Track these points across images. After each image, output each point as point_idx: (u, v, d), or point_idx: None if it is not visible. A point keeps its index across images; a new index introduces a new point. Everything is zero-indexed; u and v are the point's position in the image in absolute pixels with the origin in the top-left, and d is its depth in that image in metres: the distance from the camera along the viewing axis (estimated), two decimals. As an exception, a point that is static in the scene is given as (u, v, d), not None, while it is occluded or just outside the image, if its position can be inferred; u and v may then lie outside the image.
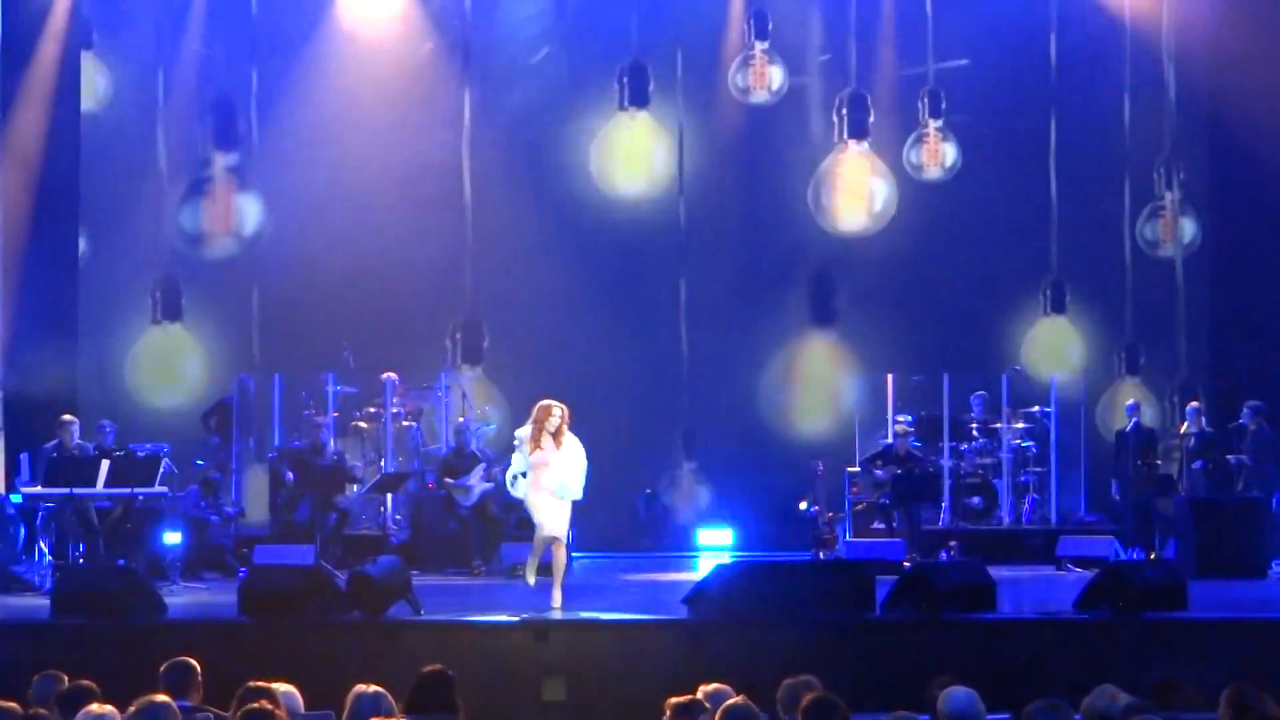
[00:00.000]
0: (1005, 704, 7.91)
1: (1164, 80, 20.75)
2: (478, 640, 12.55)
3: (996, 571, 13.53)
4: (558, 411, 13.51)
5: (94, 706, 7.32)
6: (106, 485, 15.48)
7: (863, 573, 13.34)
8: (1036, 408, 19.86)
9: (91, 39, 19.91)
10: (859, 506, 18.45)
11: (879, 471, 18.29)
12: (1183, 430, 18.89)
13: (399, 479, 18.49)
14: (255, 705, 7.49)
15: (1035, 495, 19.54)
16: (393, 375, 19.46)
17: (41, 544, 15.79)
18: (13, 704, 8.13)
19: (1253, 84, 19.61)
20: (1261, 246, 19.72)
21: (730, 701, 7.70)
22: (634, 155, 20.99)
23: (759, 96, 21.06)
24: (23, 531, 16.07)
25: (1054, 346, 21.06)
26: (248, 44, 20.22)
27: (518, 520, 15.91)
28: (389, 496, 18.73)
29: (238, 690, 7.91)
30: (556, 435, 13.48)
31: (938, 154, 20.97)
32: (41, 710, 7.93)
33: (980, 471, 19.40)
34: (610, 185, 21.01)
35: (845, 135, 21.02)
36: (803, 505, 19.12)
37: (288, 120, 20.51)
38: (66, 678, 8.64)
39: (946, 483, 18.92)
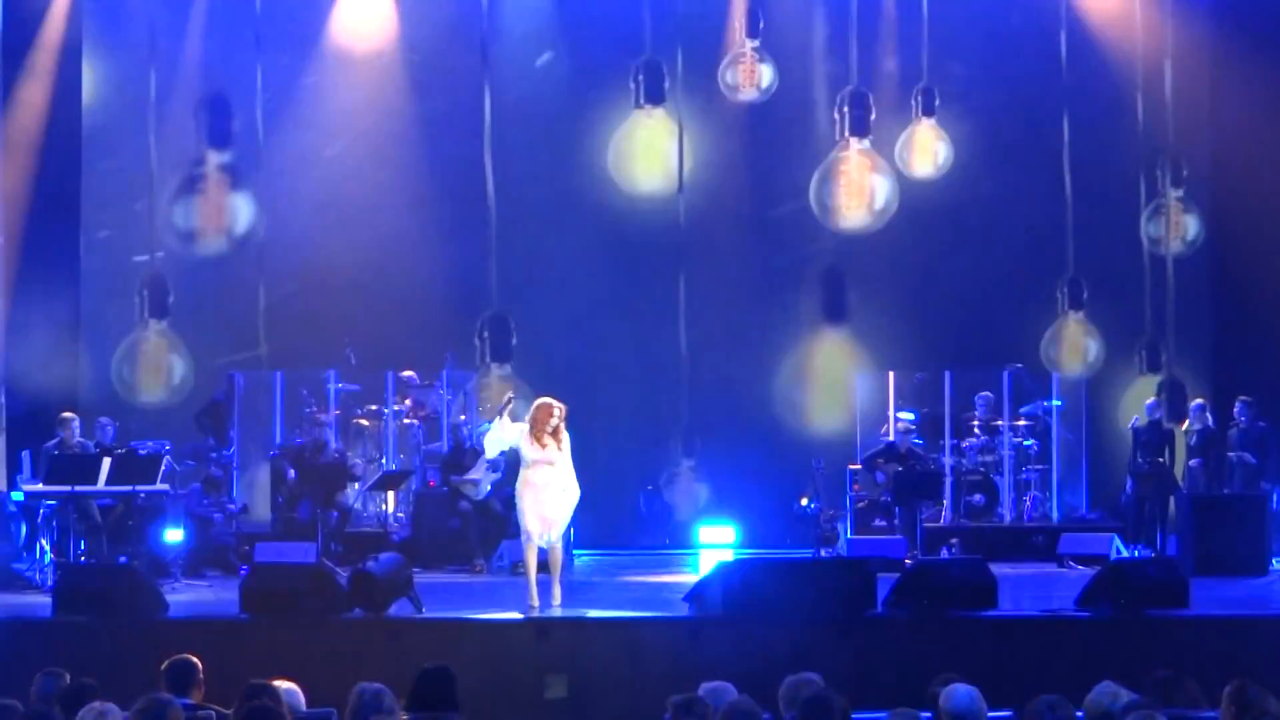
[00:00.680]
0: (1007, 701, 7.92)
1: (1164, 76, 20.72)
2: (479, 638, 12.57)
3: (998, 569, 13.54)
4: (557, 411, 13.52)
5: (96, 704, 7.32)
6: (108, 483, 15.50)
7: (864, 570, 13.35)
8: (1039, 404, 19.83)
9: (90, 37, 19.87)
10: (860, 504, 18.44)
11: (880, 469, 18.30)
12: (1184, 427, 18.89)
13: (400, 477, 18.50)
14: (257, 703, 7.49)
15: (1037, 493, 19.54)
16: (412, 373, 19.45)
17: (43, 542, 15.78)
18: (15, 702, 8.13)
19: (1253, 79, 19.60)
20: (1264, 243, 19.70)
21: (731, 699, 7.71)
22: (648, 153, 20.96)
23: (748, 94, 21.02)
24: (24, 529, 16.08)
25: (1071, 343, 21.00)
26: (250, 40, 20.19)
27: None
28: (390, 494, 18.73)
29: (240, 688, 7.91)
30: (555, 434, 13.48)
31: (929, 151, 20.92)
32: (44, 708, 7.94)
33: (982, 469, 19.40)
34: (623, 183, 20.97)
35: (847, 133, 20.99)
36: (804, 501, 19.13)
37: (292, 117, 20.51)
38: (68, 675, 8.65)
39: (948, 480, 18.92)
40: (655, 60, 20.61)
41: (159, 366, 20.08)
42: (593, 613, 13.42)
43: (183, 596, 14.52)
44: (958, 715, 7.31)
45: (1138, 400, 19.72)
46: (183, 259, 20.44)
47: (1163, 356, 20.49)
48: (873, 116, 20.86)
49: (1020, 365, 20.14)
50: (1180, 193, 20.79)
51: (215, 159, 20.53)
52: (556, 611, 13.29)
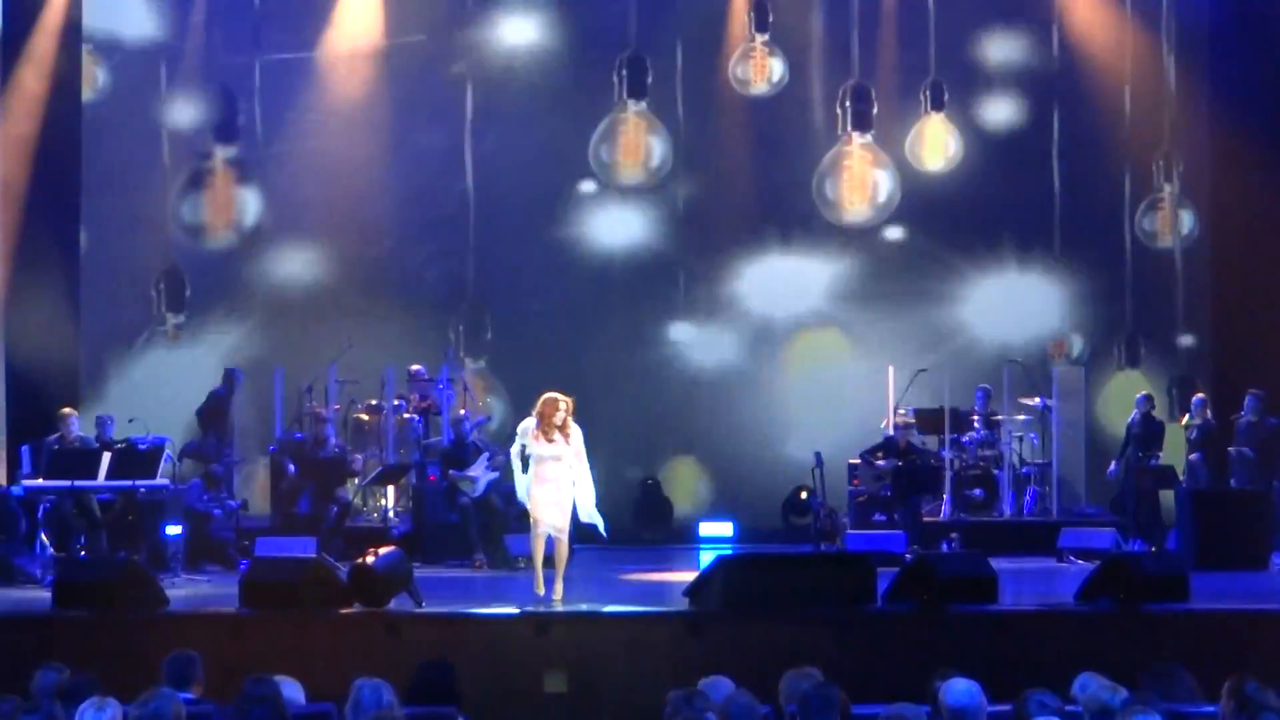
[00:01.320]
0: (1007, 696, 7.92)
1: (1163, 71, 20.73)
2: (479, 632, 12.57)
3: (998, 563, 13.53)
4: (563, 405, 13.49)
5: (96, 698, 7.32)
6: (108, 478, 15.49)
7: (864, 565, 13.35)
8: (1038, 400, 19.85)
9: (90, 31, 19.86)
10: (860, 499, 18.44)
11: (880, 463, 18.29)
12: (1184, 422, 18.89)
13: (400, 471, 18.50)
14: (257, 697, 7.49)
15: (1036, 487, 19.53)
16: (419, 367, 19.45)
17: (43, 536, 15.78)
18: (15, 696, 8.13)
19: (1251, 73, 19.60)
20: (1260, 238, 19.70)
21: (730, 693, 7.71)
22: (633, 147, 20.97)
23: (759, 89, 21.05)
24: (24, 524, 16.07)
25: (1060, 339, 21.04)
26: (251, 35, 20.20)
27: (519, 512, 15.88)
28: (390, 489, 18.72)
29: (239, 682, 7.91)
30: (563, 428, 13.47)
31: (940, 146, 20.96)
32: (44, 702, 7.94)
33: (981, 463, 19.39)
34: (609, 177, 20.99)
35: (849, 127, 21.00)
36: (804, 494, 19.13)
37: (290, 112, 20.51)
38: (68, 670, 8.65)
39: (948, 475, 18.92)
40: (639, 55, 20.66)
41: (170, 362, 20.20)
42: (592, 607, 13.41)
43: (182, 591, 14.51)
44: (957, 709, 7.31)
45: (1114, 395, 19.82)
46: (184, 254, 20.47)
47: (1141, 351, 20.58)
48: (875, 111, 20.89)
49: (1020, 360, 20.15)
50: (1175, 188, 20.83)
51: (221, 153, 20.57)
52: (557, 606, 13.29)
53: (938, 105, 20.91)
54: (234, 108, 20.43)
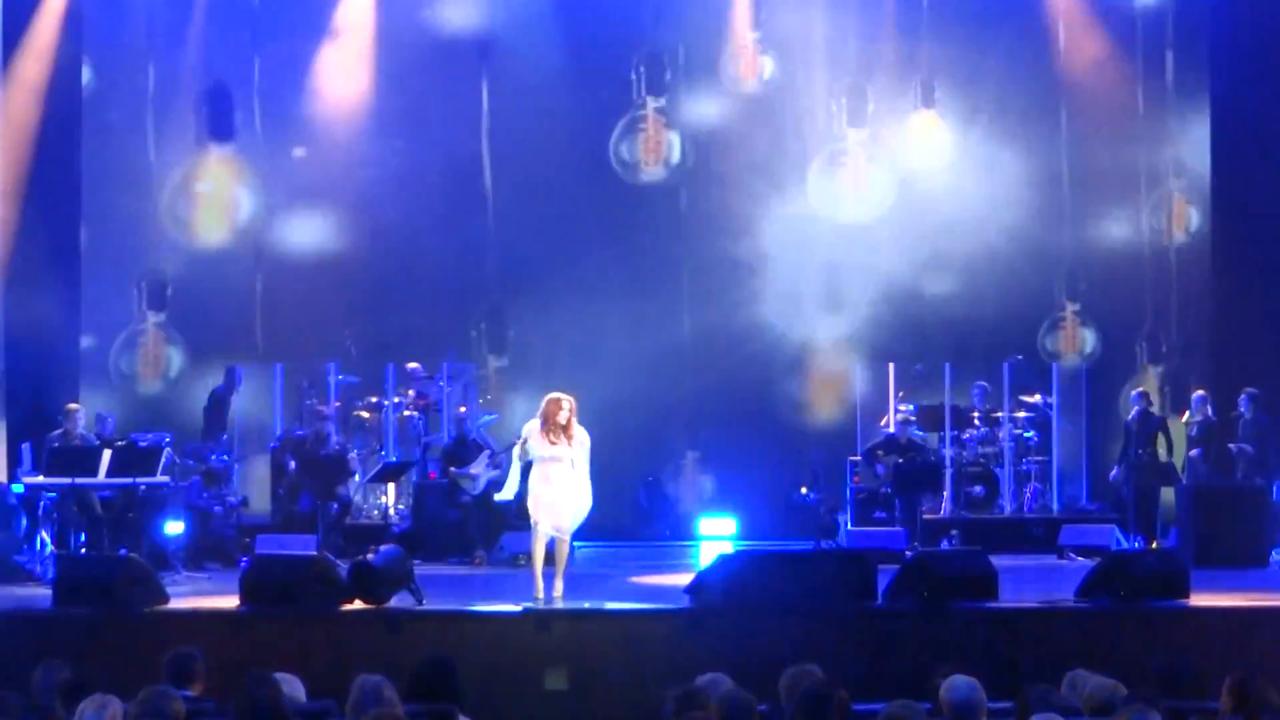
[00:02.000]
0: (1007, 693, 7.92)
1: (1165, 68, 20.73)
2: (480, 630, 12.57)
3: (998, 560, 13.53)
4: (566, 405, 13.45)
5: (97, 696, 7.32)
6: (108, 475, 15.50)
7: (864, 562, 13.35)
8: (1038, 396, 19.85)
9: (81, 29, 19.85)
10: (861, 496, 18.44)
11: (880, 461, 18.29)
12: (1184, 419, 18.89)
13: (400, 469, 18.50)
14: (257, 694, 7.49)
15: (1037, 484, 19.54)
16: (417, 365, 19.45)
17: (43, 533, 15.79)
18: (15, 694, 8.13)
19: (1253, 70, 19.59)
20: (1265, 234, 19.68)
21: (726, 690, 7.71)
22: (648, 144, 20.97)
23: (749, 86, 21.04)
24: (24, 521, 16.07)
25: (1068, 335, 21.03)
26: (249, 32, 20.19)
27: (520, 510, 15.90)
28: (391, 486, 18.73)
29: (240, 680, 7.91)
30: (566, 428, 13.44)
31: (930, 142, 20.95)
32: (44, 700, 7.94)
33: (982, 460, 19.40)
34: (622, 173, 20.98)
35: (845, 124, 21.00)
36: (804, 490, 19.15)
37: (291, 110, 20.51)
38: (69, 667, 8.64)
39: (948, 472, 18.92)
40: (656, 52, 20.63)
41: (157, 358, 20.15)
42: (593, 604, 13.41)
43: (183, 588, 14.52)
44: (958, 707, 7.32)
45: (1124, 391, 19.83)
46: (184, 251, 20.47)
47: (1162, 348, 20.57)
48: (870, 108, 20.88)
49: (1020, 357, 20.16)
50: (1182, 184, 20.83)
51: (216, 151, 20.56)
52: (558, 603, 13.29)
53: (929, 102, 20.88)
54: (231, 105, 20.40)
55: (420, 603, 12.99)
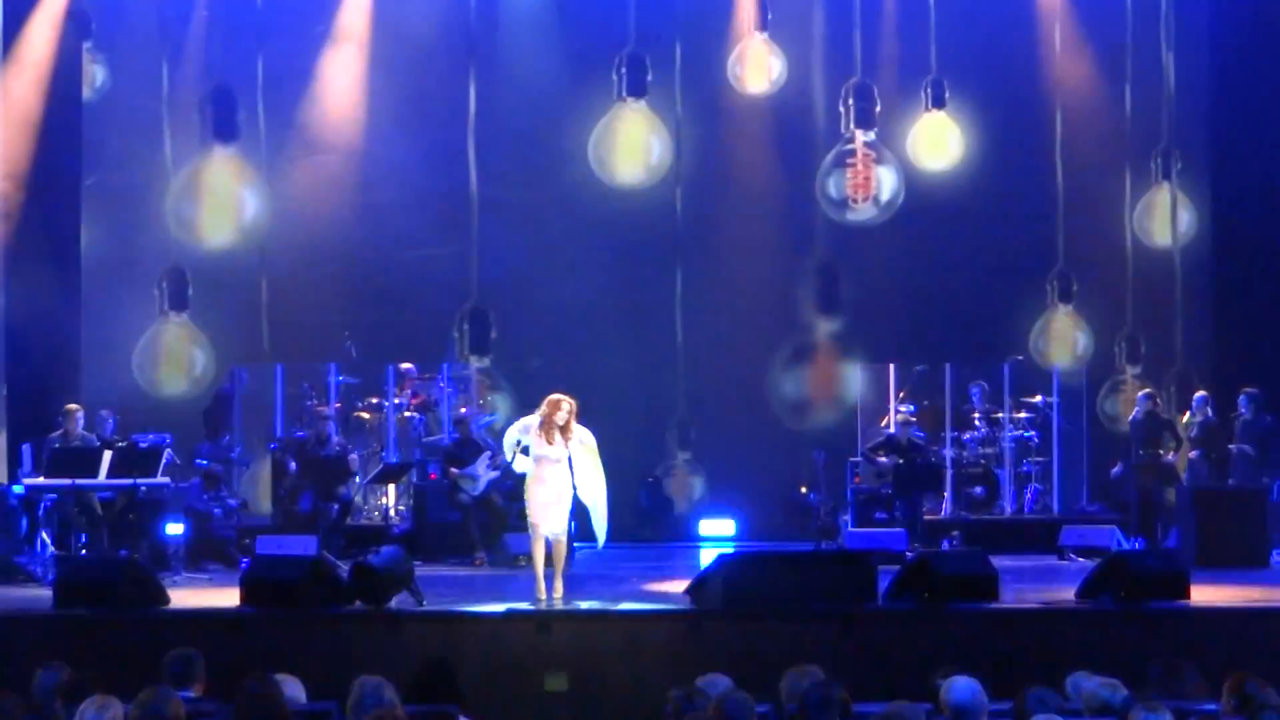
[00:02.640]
0: (1008, 694, 7.92)
1: (1163, 69, 20.73)
2: (480, 631, 12.56)
3: (999, 561, 13.53)
4: (566, 405, 13.44)
5: (97, 697, 7.32)
6: (109, 476, 15.49)
7: (865, 563, 13.35)
8: (1039, 397, 19.85)
9: (90, 29, 19.86)
10: (861, 497, 18.45)
11: (881, 461, 18.29)
12: (1185, 419, 18.89)
13: (401, 469, 18.50)
14: (258, 696, 7.49)
15: (1037, 485, 19.54)
16: (410, 366, 19.44)
17: (44, 535, 15.78)
18: (16, 695, 8.13)
19: (1252, 72, 19.60)
20: (1260, 235, 19.70)
21: (725, 691, 7.71)
22: (632, 145, 20.98)
23: (759, 87, 21.05)
24: (25, 522, 16.07)
25: (1060, 336, 21.05)
26: (252, 33, 20.19)
27: (520, 510, 15.89)
28: (391, 487, 18.73)
29: (240, 681, 7.91)
30: (565, 429, 13.43)
31: (941, 144, 20.97)
32: (45, 701, 7.94)
33: (982, 461, 19.40)
34: (609, 175, 20.99)
35: (852, 125, 21.00)
36: (804, 490, 19.15)
37: (291, 110, 20.52)
38: (69, 668, 8.64)
39: (948, 472, 18.92)
40: (638, 53, 20.65)
41: (172, 359, 20.18)
42: (593, 605, 13.41)
43: (183, 589, 14.51)
44: (959, 707, 7.31)
45: (1115, 392, 19.83)
46: (187, 252, 20.49)
47: (1141, 349, 20.61)
48: (878, 109, 20.90)
49: (1021, 357, 20.16)
50: (1175, 185, 20.84)
51: (219, 152, 20.57)
52: (558, 604, 13.29)
53: (939, 103, 20.91)
54: (234, 105, 20.41)
55: (421, 604, 12.98)
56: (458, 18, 20.57)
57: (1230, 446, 18.18)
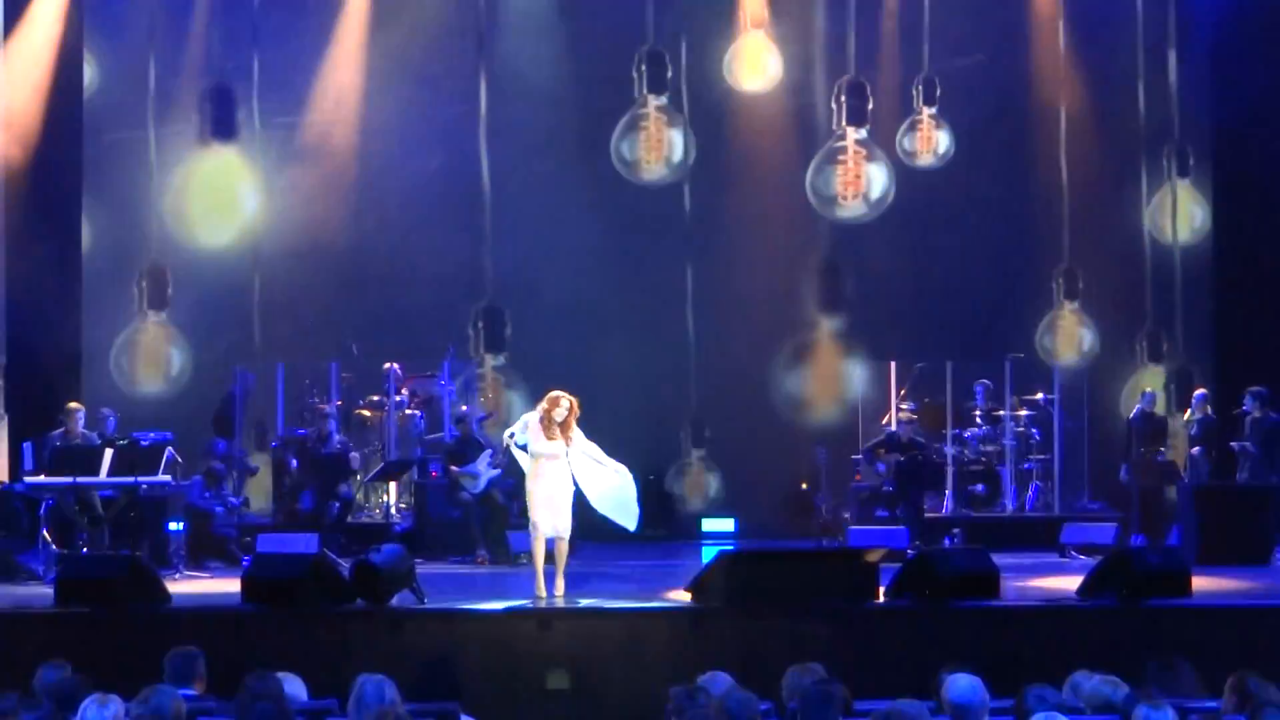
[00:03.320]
0: (1009, 691, 7.92)
1: (1169, 65, 20.72)
2: (481, 629, 12.57)
3: (1000, 558, 13.53)
4: (565, 403, 13.44)
5: (98, 695, 7.32)
6: (110, 474, 15.48)
7: (866, 560, 13.34)
8: (1040, 395, 19.84)
9: (82, 26, 19.84)
10: (863, 494, 18.45)
11: (882, 459, 18.29)
12: (1186, 417, 18.89)
13: (402, 467, 18.50)
14: (259, 693, 7.49)
15: (1039, 482, 19.54)
16: (395, 365, 19.44)
17: (45, 533, 15.77)
18: (17, 693, 8.13)
19: (1258, 66, 19.58)
20: (1267, 232, 19.68)
21: (728, 689, 7.71)
22: (646, 142, 20.96)
23: (756, 84, 21.03)
24: (26, 520, 16.06)
25: (1066, 333, 21.05)
26: (250, 30, 20.18)
27: (521, 508, 15.90)
28: (392, 485, 18.73)
29: (241, 679, 7.91)
30: (564, 427, 13.43)
31: (931, 141, 20.95)
32: (45, 699, 7.93)
33: (984, 459, 19.40)
34: (624, 172, 20.98)
35: (845, 122, 20.99)
36: (805, 486, 19.15)
37: (294, 109, 20.52)
38: (70, 667, 8.64)
39: (950, 470, 18.92)
40: (658, 50, 20.62)
41: (158, 358, 20.14)
42: (595, 603, 13.41)
43: (185, 587, 14.52)
44: (961, 705, 7.31)
45: (1137, 390, 19.79)
46: (185, 250, 20.47)
47: (1164, 346, 20.56)
48: (870, 106, 20.89)
49: (1022, 355, 20.14)
50: (1186, 181, 20.82)
51: (216, 150, 20.55)
52: (559, 602, 13.29)
53: (930, 100, 20.88)
54: (232, 103, 20.40)
55: (422, 602, 12.98)
56: (463, 11, 20.57)
57: (1234, 444, 18.16)
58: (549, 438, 13.43)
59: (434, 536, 17.48)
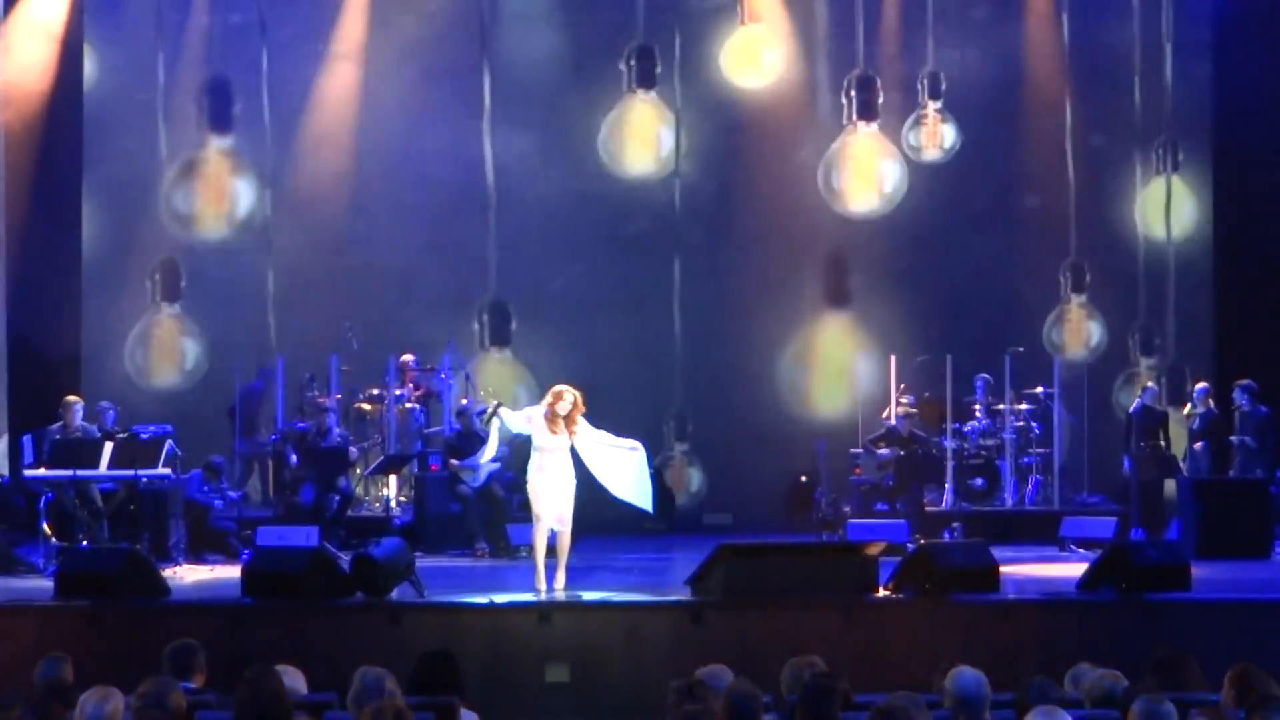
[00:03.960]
0: (1008, 685, 7.92)
1: (1163, 61, 20.72)
2: (481, 622, 12.58)
3: (999, 552, 13.54)
4: (569, 396, 13.47)
5: (98, 688, 7.32)
6: (110, 468, 15.48)
7: (866, 554, 13.35)
8: (1040, 389, 19.83)
9: (89, 22, 19.84)
10: (862, 488, 18.44)
11: (882, 452, 18.28)
12: (1186, 411, 18.89)
13: (402, 461, 18.49)
14: (259, 687, 7.49)
15: (1038, 476, 19.53)
16: (410, 357, 19.44)
17: (45, 526, 15.77)
18: (17, 686, 8.13)
19: (1256, 61, 19.57)
20: (1263, 227, 19.68)
21: (732, 682, 7.70)
22: (641, 137, 20.97)
23: (759, 80, 21.02)
24: (26, 514, 16.06)
25: (1073, 327, 21.05)
26: (252, 24, 20.18)
27: (521, 502, 15.91)
28: (392, 479, 18.72)
29: (241, 672, 7.91)
30: (568, 420, 13.44)
31: (936, 135, 20.95)
32: (45, 693, 7.93)
33: (983, 453, 19.39)
34: (616, 167, 20.98)
35: (854, 117, 20.99)
36: (803, 478, 19.14)
37: (297, 101, 20.51)
38: (70, 660, 8.65)
39: (950, 464, 18.91)
40: (648, 45, 20.62)
41: (170, 351, 20.19)
42: (594, 596, 13.42)
43: (184, 581, 14.53)
44: (964, 699, 7.30)
45: (1129, 384, 19.82)
46: (186, 244, 20.49)
47: (1156, 341, 20.58)
48: (880, 100, 20.89)
49: (1022, 348, 20.13)
50: (1176, 176, 20.83)
51: (217, 144, 20.56)
52: (559, 596, 13.30)
53: (935, 94, 20.89)
54: (232, 98, 20.39)
55: (421, 595, 12.99)
56: (465, 6, 20.58)
57: (1231, 438, 18.17)
58: (553, 431, 13.45)
59: (434, 530, 17.46)
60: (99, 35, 20.09)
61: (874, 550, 13.35)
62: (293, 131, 20.58)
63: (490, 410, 14.08)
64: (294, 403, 19.43)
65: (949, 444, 19.02)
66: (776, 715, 7.66)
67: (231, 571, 14.05)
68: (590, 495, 13.94)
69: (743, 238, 20.88)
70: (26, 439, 16.95)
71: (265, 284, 20.45)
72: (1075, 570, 13.81)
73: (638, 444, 13.96)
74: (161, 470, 15.85)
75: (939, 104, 20.89)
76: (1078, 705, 7.82)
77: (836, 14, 20.89)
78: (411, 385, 19.40)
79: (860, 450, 18.76)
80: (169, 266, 20.30)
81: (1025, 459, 19.57)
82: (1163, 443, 18.40)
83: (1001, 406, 19.56)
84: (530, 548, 14.04)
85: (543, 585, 13.43)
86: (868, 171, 21.04)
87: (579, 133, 20.86)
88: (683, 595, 13.14)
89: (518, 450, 15.72)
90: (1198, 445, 18.44)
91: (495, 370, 20.59)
